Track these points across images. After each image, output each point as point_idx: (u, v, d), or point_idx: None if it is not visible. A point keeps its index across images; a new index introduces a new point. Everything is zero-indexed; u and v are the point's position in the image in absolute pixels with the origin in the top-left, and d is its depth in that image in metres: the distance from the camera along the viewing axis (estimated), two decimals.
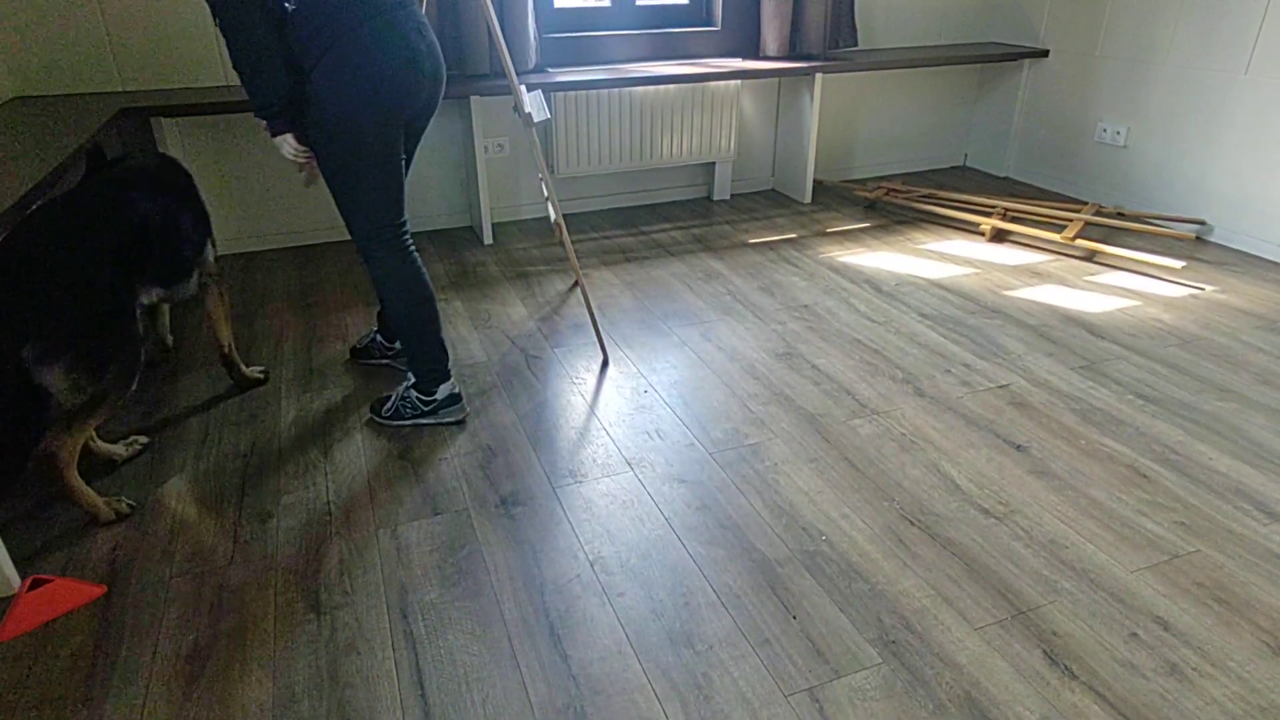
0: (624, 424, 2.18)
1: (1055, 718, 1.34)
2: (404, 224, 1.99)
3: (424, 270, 2.04)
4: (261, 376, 2.38)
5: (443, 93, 1.99)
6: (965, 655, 1.47)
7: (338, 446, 2.08)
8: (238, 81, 3.11)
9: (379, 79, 1.78)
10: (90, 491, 1.78)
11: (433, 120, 2.77)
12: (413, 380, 2.12)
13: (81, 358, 1.66)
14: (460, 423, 2.16)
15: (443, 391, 2.13)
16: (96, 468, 1.98)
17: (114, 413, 1.84)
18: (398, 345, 2.26)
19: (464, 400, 2.18)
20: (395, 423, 2.16)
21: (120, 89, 2.97)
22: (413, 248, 2.02)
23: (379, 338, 2.45)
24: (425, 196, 3.58)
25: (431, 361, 2.09)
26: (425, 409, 2.13)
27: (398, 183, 1.94)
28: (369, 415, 2.21)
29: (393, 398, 2.16)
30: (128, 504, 1.84)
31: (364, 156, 1.85)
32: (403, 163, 1.95)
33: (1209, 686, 1.40)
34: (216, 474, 1.98)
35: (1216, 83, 3.28)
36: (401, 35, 1.79)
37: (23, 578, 1.63)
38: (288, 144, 1.88)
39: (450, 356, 2.18)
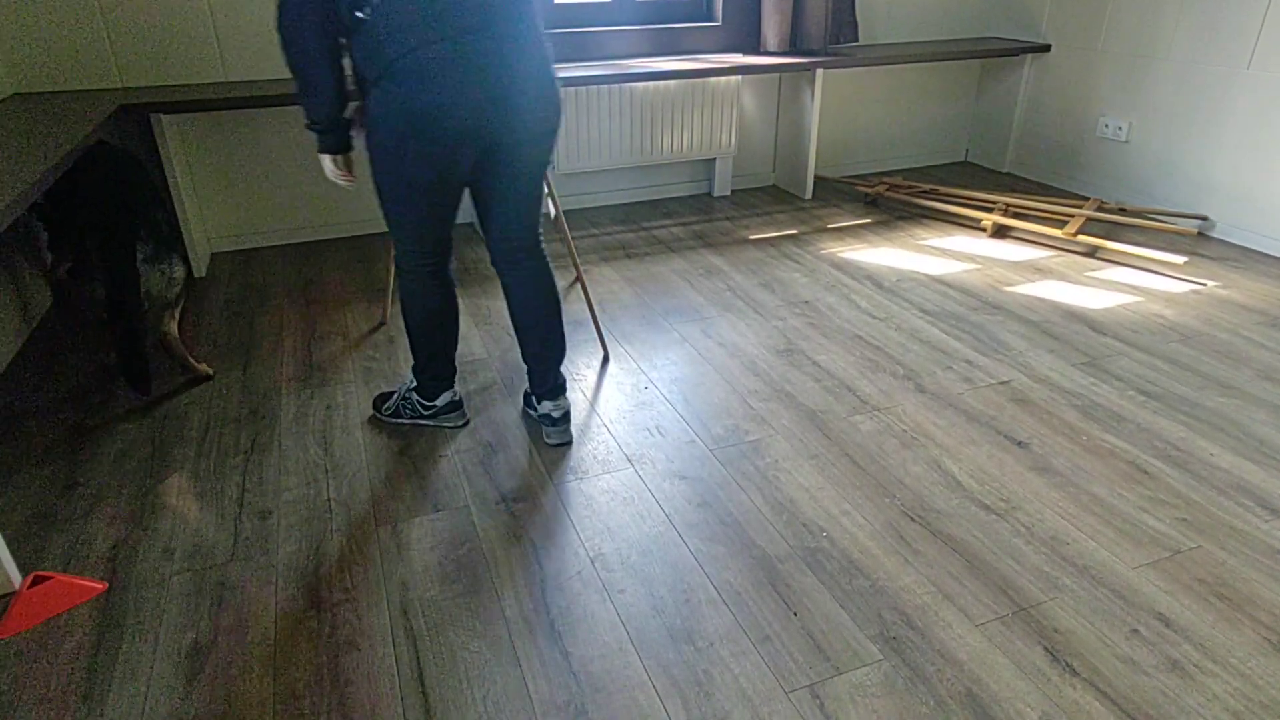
0: (624, 420, 2.17)
1: (1056, 714, 1.34)
2: (436, 257, 1.91)
3: (451, 299, 1.98)
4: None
5: (550, 124, 1.80)
6: (966, 652, 1.46)
7: (338, 443, 2.08)
8: (237, 78, 3.12)
9: (423, 114, 1.64)
10: (191, 359, 2.34)
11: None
12: (415, 383, 2.11)
13: (173, 255, 2.22)
14: (461, 427, 2.15)
15: (443, 399, 2.11)
16: (98, 464, 1.99)
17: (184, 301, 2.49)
18: (538, 411, 2.10)
19: (465, 407, 2.16)
20: (394, 420, 2.16)
21: (119, 85, 2.96)
22: (445, 277, 1.96)
23: (530, 398, 2.21)
24: None
25: (436, 375, 2.07)
26: (425, 413, 2.12)
27: (437, 219, 1.84)
28: (371, 412, 2.21)
29: (394, 396, 2.16)
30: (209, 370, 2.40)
31: (404, 187, 1.77)
32: (452, 204, 1.84)
33: (1210, 683, 1.40)
34: (217, 471, 1.98)
35: (1219, 78, 3.27)
36: (467, 64, 1.63)
37: (24, 574, 1.63)
38: (326, 164, 1.83)
39: (457, 370, 2.14)
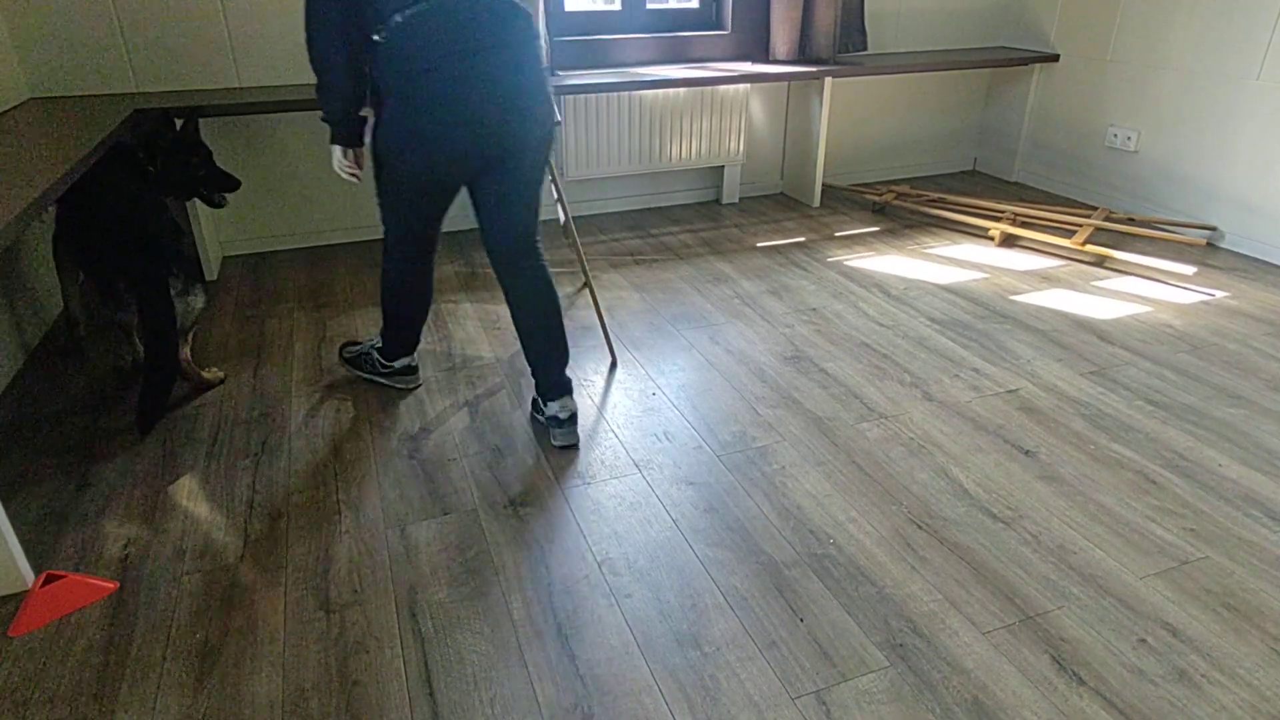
0: (632, 426, 2.18)
1: None
2: (421, 248, 2.08)
3: (426, 284, 2.17)
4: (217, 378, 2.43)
5: (548, 132, 1.90)
6: (973, 660, 1.46)
7: (347, 446, 2.10)
8: (250, 83, 3.15)
9: (426, 136, 1.78)
10: (202, 374, 2.36)
11: None
12: (379, 343, 2.31)
13: (196, 285, 2.24)
14: (409, 390, 2.33)
15: (400, 363, 2.32)
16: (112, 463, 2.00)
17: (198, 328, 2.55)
18: (545, 413, 2.12)
19: (419, 373, 2.36)
20: (351, 370, 2.39)
21: (134, 90, 2.99)
22: (426, 266, 2.13)
23: (538, 401, 2.19)
24: None
25: (400, 345, 2.27)
26: (381, 370, 2.33)
27: (427, 219, 2.01)
28: (339, 354, 2.43)
29: (361, 346, 2.38)
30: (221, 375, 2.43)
31: (397, 191, 1.94)
32: (441, 209, 1.99)
33: (1218, 693, 1.40)
34: (227, 473, 1.99)
35: (1228, 88, 3.27)
36: (479, 83, 1.73)
37: (36, 574, 1.65)
38: (336, 154, 1.96)
39: (420, 343, 2.40)
